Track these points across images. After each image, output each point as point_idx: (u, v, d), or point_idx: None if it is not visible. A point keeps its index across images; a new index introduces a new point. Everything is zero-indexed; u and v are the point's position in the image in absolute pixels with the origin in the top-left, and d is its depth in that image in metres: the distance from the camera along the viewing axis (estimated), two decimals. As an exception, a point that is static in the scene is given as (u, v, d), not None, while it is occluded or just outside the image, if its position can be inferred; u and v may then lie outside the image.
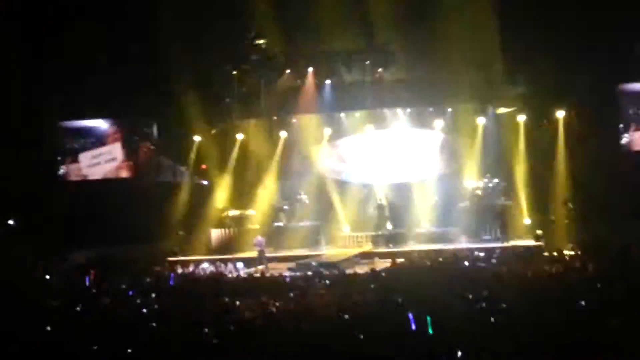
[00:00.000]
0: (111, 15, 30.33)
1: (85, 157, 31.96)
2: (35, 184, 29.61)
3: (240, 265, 26.66)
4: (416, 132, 32.23)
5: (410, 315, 12.07)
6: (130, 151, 31.80)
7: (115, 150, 31.87)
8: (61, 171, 31.90)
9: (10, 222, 29.27)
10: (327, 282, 18.90)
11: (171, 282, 21.57)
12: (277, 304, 15.61)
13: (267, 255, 27.76)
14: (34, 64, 28.38)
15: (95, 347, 12.22)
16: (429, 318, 12.03)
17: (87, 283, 22.07)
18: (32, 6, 28.85)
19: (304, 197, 31.95)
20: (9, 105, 28.77)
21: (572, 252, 22.31)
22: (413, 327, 12.04)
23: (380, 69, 30.11)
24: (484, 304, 14.04)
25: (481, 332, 11.89)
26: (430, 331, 11.85)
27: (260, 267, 26.05)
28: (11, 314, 15.07)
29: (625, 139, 28.42)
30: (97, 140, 31.98)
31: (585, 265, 19.30)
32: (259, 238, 27.99)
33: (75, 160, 32.03)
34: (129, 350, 12.17)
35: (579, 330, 11.78)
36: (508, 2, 27.36)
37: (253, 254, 27.98)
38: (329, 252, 28.98)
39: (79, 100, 30.25)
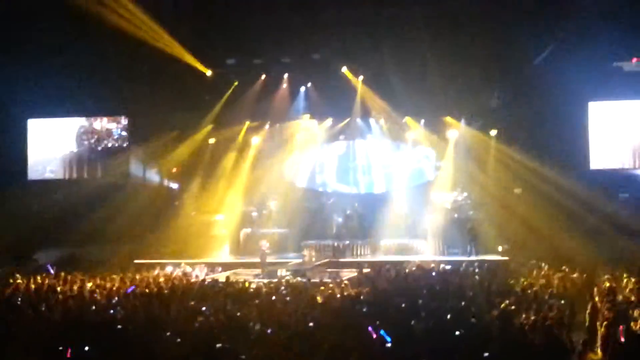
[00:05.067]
0: (86, 13, 30.24)
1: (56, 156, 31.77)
2: (2, 183, 29.29)
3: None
4: (388, 143, 32.36)
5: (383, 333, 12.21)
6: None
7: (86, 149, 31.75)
8: (30, 170, 31.54)
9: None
10: (293, 289, 18.91)
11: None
12: (243, 309, 15.63)
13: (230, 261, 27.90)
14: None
15: (60, 348, 12.19)
16: (382, 332, 12.16)
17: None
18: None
19: (272, 204, 31.89)
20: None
21: (537, 267, 22.51)
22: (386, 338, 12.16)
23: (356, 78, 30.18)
24: (448, 316, 14.18)
25: (445, 344, 12.03)
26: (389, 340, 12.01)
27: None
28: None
29: (592, 156, 28.88)
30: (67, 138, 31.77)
31: (550, 281, 19.59)
32: (263, 242, 28.03)
33: (45, 158, 31.72)
34: (95, 352, 12.15)
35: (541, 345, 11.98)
36: (484, 16, 27.57)
37: (217, 258, 28.66)
38: (296, 260, 28.92)
39: (49, 98, 29.96)
